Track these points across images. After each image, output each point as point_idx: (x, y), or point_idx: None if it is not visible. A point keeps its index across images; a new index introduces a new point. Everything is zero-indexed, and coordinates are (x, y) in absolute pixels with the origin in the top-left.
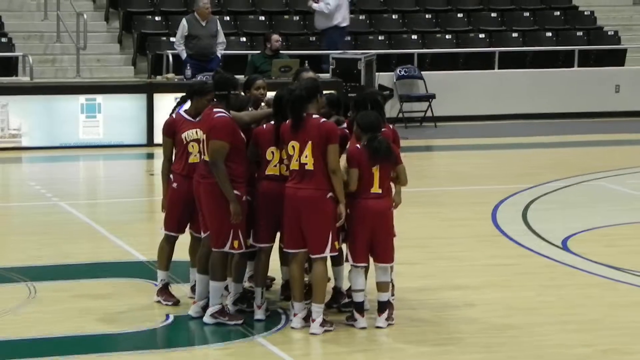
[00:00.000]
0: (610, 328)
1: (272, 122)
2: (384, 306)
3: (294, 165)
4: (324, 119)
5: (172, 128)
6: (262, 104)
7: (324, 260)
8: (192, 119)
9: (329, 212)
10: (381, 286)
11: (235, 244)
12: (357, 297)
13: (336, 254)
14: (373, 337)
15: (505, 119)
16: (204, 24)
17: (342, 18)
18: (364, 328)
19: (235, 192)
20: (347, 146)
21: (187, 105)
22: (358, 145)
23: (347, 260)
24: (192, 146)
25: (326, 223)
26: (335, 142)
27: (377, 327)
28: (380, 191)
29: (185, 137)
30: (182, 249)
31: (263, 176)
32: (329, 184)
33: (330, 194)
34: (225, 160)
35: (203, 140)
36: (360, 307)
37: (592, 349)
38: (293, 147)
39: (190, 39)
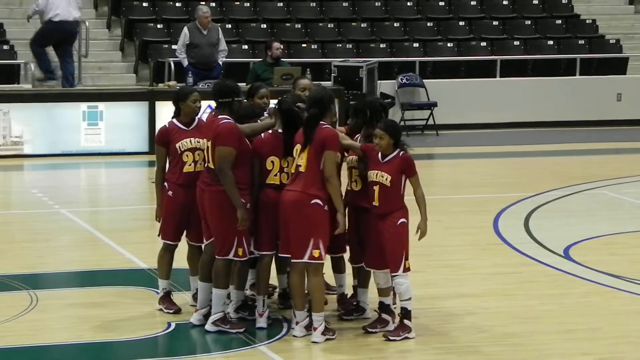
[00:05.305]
0: (611, 337)
1: (270, 132)
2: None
3: (293, 168)
4: (326, 125)
5: (166, 137)
6: (265, 114)
7: (303, 267)
8: (186, 128)
9: (312, 218)
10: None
11: (240, 251)
12: (410, 305)
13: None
14: (374, 345)
15: (507, 127)
16: (204, 32)
17: (57, 12)
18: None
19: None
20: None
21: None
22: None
23: (405, 270)
24: (187, 155)
25: (306, 228)
26: (333, 150)
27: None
28: None
29: (179, 147)
30: (183, 257)
31: (264, 184)
32: (318, 190)
33: (315, 201)
34: (231, 167)
35: (204, 148)
36: (410, 315)
37: (592, 357)
38: (296, 149)
39: (192, 48)
